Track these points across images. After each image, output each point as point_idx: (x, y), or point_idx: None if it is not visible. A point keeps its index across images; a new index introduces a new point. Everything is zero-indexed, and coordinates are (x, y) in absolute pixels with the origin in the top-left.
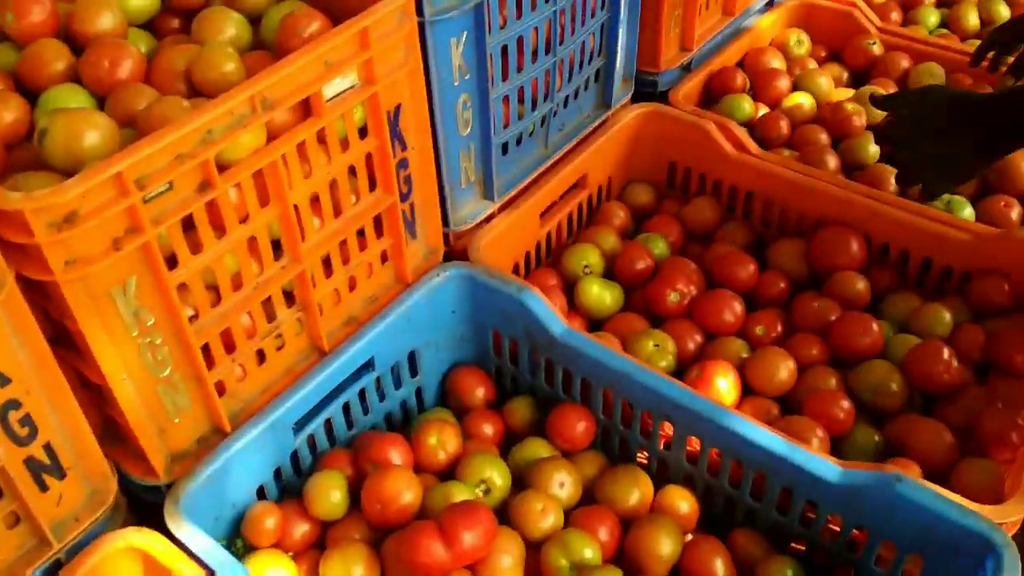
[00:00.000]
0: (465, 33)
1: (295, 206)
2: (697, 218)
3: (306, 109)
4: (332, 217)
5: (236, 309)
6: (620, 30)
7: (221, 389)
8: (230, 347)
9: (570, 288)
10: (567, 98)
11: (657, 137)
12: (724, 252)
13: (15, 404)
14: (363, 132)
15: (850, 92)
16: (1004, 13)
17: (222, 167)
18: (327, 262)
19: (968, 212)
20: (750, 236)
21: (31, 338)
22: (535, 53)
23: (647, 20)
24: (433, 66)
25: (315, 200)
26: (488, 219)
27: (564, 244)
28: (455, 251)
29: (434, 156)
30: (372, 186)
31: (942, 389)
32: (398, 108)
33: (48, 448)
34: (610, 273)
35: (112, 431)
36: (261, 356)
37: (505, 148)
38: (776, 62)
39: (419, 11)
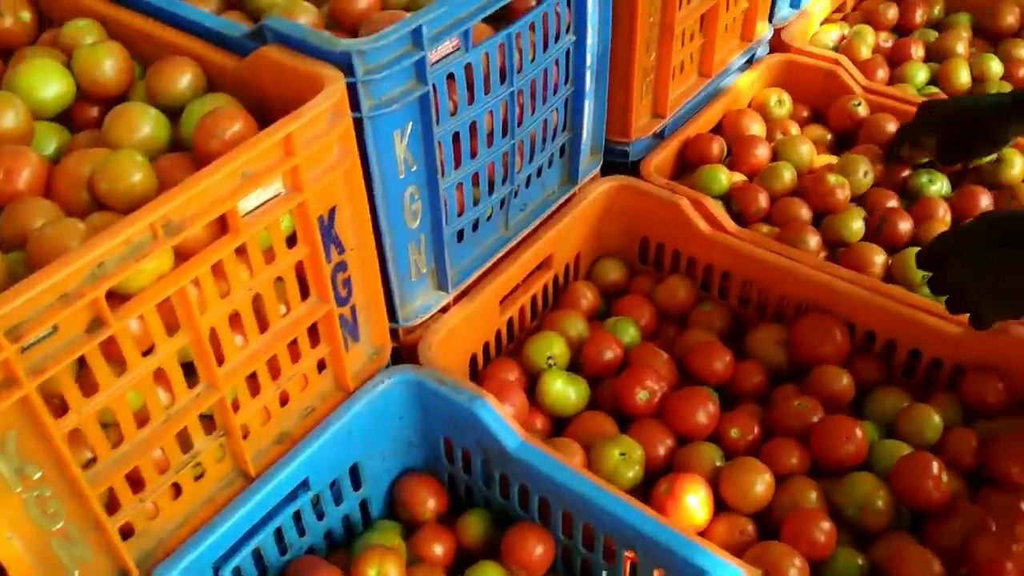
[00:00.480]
0: (410, 124)
1: (211, 329)
2: (670, 299)
3: (222, 225)
4: (257, 333)
5: (143, 448)
6: (586, 103)
7: (129, 530)
8: (138, 484)
9: (533, 379)
10: (529, 177)
11: (628, 212)
12: (698, 342)
13: None
14: (292, 238)
15: (833, 159)
16: (996, 69)
17: (122, 296)
18: (252, 376)
19: None
20: (727, 318)
21: None
22: (491, 136)
23: (616, 89)
24: (374, 161)
25: (236, 316)
26: (443, 310)
27: (528, 328)
28: (406, 347)
29: (379, 252)
30: (305, 294)
31: (932, 507)
32: (333, 211)
33: None
34: (576, 362)
35: None
36: (176, 489)
37: (460, 235)
38: (755, 126)
39: (355, 107)
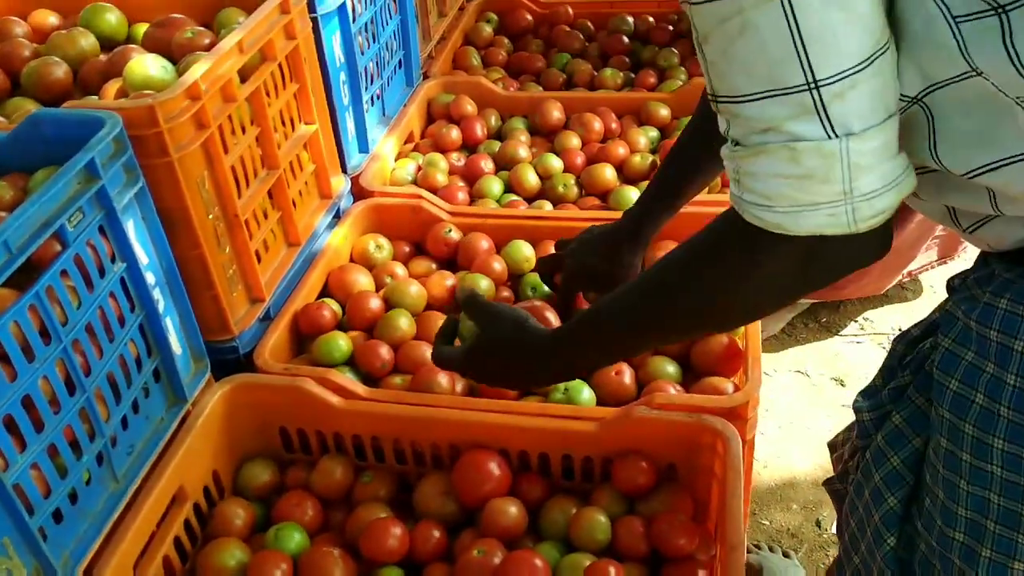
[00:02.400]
0: None
1: None
2: (327, 483)
3: None
4: None
5: None
6: (166, 320)
7: None
8: None
9: None
10: (125, 418)
11: (255, 408)
12: (367, 524)
13: None
14: None
15: (446, 280)
16: (557, 164)
17: None
18: None
19: (587, 394)
20: (391, 483)
21: None
22: (55, 402)
23: (199, 291)
24: None
25: None
26: None
27: None
28: None
29: None
30: None
31: None
32: None
33: None
34: None
35: None
36: None
37: (58, 515)
38: (362, 279)
39: None
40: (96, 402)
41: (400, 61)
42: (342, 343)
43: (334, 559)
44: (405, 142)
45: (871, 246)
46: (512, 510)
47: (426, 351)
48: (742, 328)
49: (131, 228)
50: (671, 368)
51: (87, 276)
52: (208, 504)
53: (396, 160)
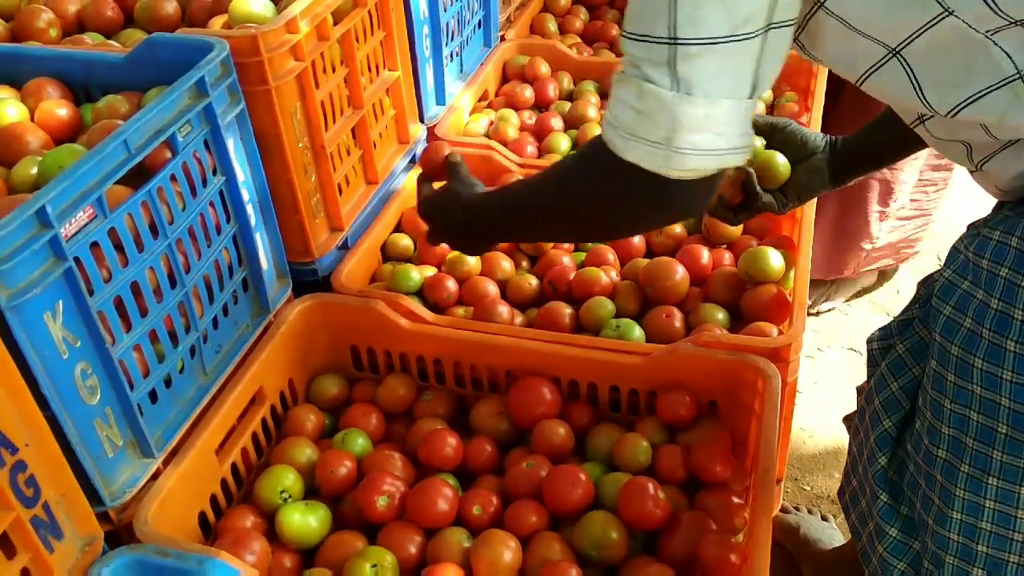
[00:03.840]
0: (60, 303)
1: None
2: (392, 398)
3: None
4: None
5: None
6: (256, 235)
7: None
8: None
9: (271, 520)
10: (216, 319)
11: (330, 326)
12: (425, 433)
13: None
14: None
15: None
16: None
17: None
18: None
19: (638, 332)
20: (450, 403)
21: None
22: (158, 292)
23: (286, 215)
24: (29, 350)
25: None
26: (155, 476)
27: (256, 467)
28: (122, 525)
29: (61, 438)
30: None
31: (657, 524)
32: None
33: None
34: (312, 489)
35: None
36: None
37: (154, 396)
38: None
39: None
40: (192, 299)
41: (480, 22)
42: (414, 274)
43: (394, 460)
44: (480, 99)
45: (682, 196)
46: (561, 431)
47: (489, 286)
48: (791, 279)
49: (231, 146)
50: (720, 315)
51: (192, 183)
52: (283, 408)
53: (470, 115)
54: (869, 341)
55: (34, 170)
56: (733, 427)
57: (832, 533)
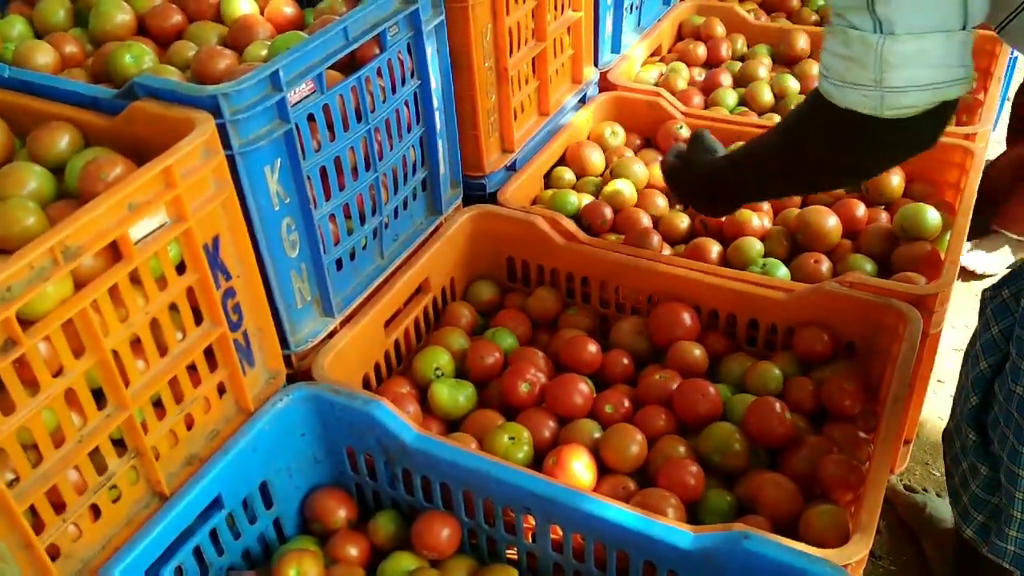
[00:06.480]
0: (279, 160)
1: (114, 351)
2: (540, 308)
3: (115, 253)
4: (157, 357)
5: (60, 467)
6: (439, 141)
7: (55, 552)
8: (60, 506)
9: (424, 393)
10: (396, 209)
11: (492, 236)
12: (568, 337)
13: None
14: (182, 267)
15: None
16: (794, 85)
17: (28, 321)
18: (159, 403)
19: (783, 272)
20: (592, 318)
21: None
22: (356, 171)
23: (465, 129)
24: (249, 195)
25: (136, 342)
26: (330, 335)
27: (413, 350)
28: (300, 372)
29: (264, 280)
30: (198, 320)
31: (780, 441)
32: (216, 239)
33: None
34: (462, 371)
35: None
36: (96, 511)
37: (339, 264)
38: (595, 155)
39: (227, 145)
40: (380, 186)
41: None
42: (572, 199)
43: (537, 357)
44: (652, 54)
45: (905, 135)
46: (696, 352)
47: (642, 216)
48: (946, 241)
49: (429, 54)
50: (868, 266)
51: (393, 80)
52: (443, 303)
53: (642, 65)
54: (983, 290)
55: (264, 51)
56: (868, 372)
57: None
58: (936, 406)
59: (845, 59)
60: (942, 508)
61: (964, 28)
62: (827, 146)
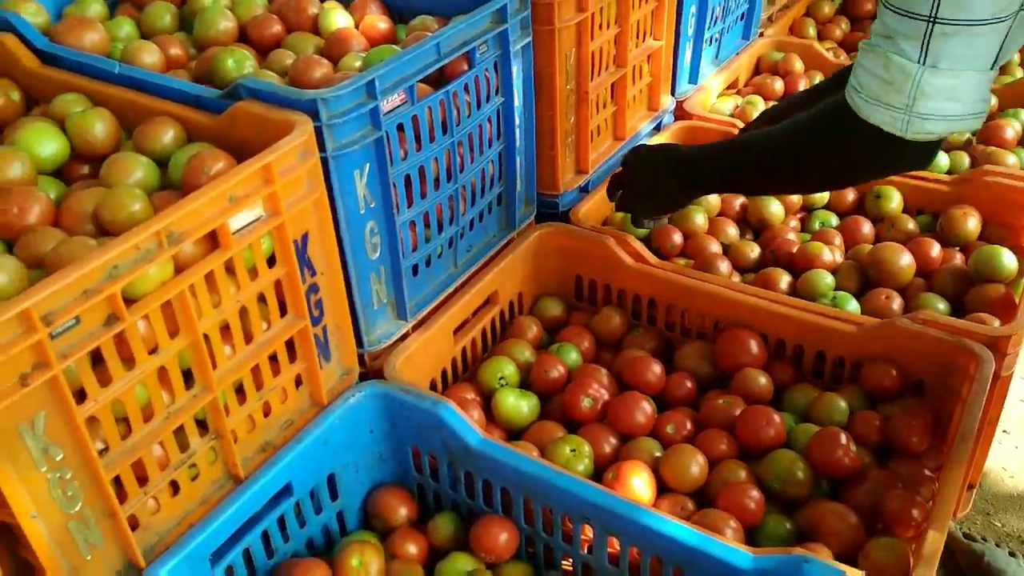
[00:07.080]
0: (368, 165)
1: (205, 335)
2: (605, 327)
3: (213, 241)
4: (243, 344)
5: (147, 440)
6: (517, 158)
7: (134, 523)
8: (143, 479)
9: (488, 401)
10: (472, 221)
11: (562, 253)
12: (632, 357)
13: None
14: (272, 260)
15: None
16: None
17: (130, 300)
18: (240, 389)
19: (853, 306)
20: (657, 341)
21: None
22: (437, 181)
23: (543, 148)
24: (339, 197)
25: (225, 328)
26: (402, 338)
27: (480, 359)
28: (371, 371)
29: (344, 280)
30: (283, 312)
31: (844, 473)
32: (305, 236)
33: None
34: (525, 383)
35: (27, 572)
36: (175, 487)
37: (415, 270)
38: None
39: (322, 147)
40: (459, 197)
41: (743, 14)
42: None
43: (600, 374)
44: (729, 86)
45: (913, 156)
46: (762, 380)
47: (712, 243)
48: (1022, 282)
49: (515, 72)
50: (941, 305)
51: (479, 96)
52: (510, 316)
53: (718, 97)
54: None
55: (358, 63)
56: (937, 410)
57: (1017, 569)
58: (1000, 456)
59: (882, 80)
60: (1002, 560)
61: (992, 67)
62: (835, 153)
